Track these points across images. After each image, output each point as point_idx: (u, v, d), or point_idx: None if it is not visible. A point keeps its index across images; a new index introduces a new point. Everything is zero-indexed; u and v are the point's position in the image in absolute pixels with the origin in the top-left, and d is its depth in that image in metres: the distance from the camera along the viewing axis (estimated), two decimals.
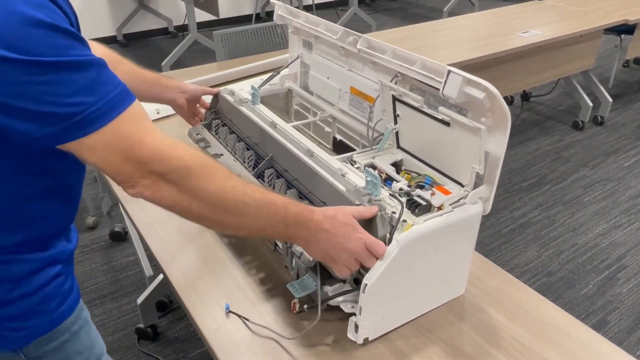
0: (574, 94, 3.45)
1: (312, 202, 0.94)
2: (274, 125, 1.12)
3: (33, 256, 0.78)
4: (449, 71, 0.84)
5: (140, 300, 1.77)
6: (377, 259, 0.81)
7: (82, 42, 0.66)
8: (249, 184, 0.76)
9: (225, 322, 0.90)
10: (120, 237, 2.31)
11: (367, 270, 0.81)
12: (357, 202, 0.86)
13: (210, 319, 0.91)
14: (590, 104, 3.37)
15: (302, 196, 0.97)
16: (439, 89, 0.87)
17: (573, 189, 2.78)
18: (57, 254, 0.81)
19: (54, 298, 0.81)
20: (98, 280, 2.09)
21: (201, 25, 4.79)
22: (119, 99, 0.68)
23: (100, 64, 0.67)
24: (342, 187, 0.90)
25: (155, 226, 1.13)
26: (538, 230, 2.45)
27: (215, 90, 1.29)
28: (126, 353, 1.77)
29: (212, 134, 1.24)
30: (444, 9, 5.58)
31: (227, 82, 1.93)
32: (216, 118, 1.27)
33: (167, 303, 1.92)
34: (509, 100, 3.74)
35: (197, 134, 1.25)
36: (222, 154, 1.17)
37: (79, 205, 0.88)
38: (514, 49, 2.48)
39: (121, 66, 1.06)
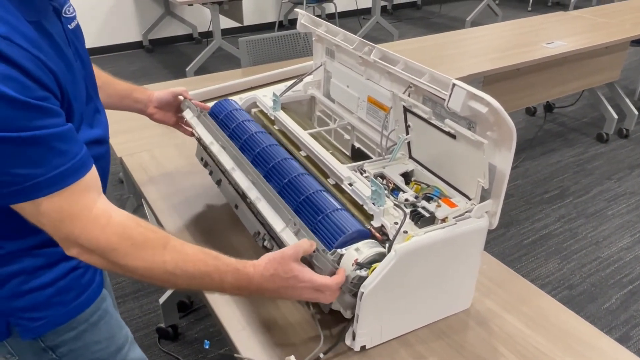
0: (598, 106, 3.40)
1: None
2: (224, 146, 1.09)
3: (46, 251, 0.80)
4: (454, 84, 0.85)
5: (162, 300, 1.80)
6: (338, 291, 0.81)
7: (47, 112, 0.66)
8: (187, 253, 0.75)
9: (250, 322, 0.92)
10: None
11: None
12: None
13: (235, 319, 0.93)
14: (615, 117, 3.32)
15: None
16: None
17: (596, 201, 2.74)
18: None
19: (71, 290, 0.84)
20: (120, 279, 2.13)
21: (225, 32, 4.87)
22: (68, 173, 0.68)
23: (57, 137, 0.67)
24: (275, 224, 0.89)
25: (181, 227, 1.16)
26: (560, 243, 2.42)
27: (180, 90, 1.24)
28: (146, 352, 1.80)
29: (207, 153, 1.21)
30: (467, 19, 5.57)
31: (251, 88, 1.96)
32: None
33: (188, 304, 1.95)
34: (532, 111, 3.71)
35: (201, 158, 1.24)
36: (220, 179, 1.15)
37: None
38: (538, 60, 2.47)
39: (99, 78, 1.05)
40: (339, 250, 0.82)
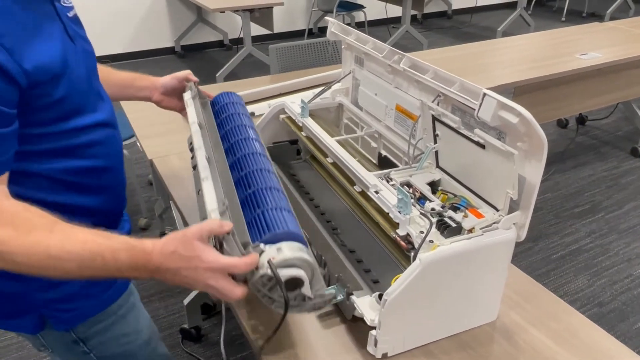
0: (633, 119, 3.31)
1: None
2: (201, 126, 1.03)
3: None
4: (484, 94, 0.84)
5: (186, 301, 1.83)
6: (246, 283, 0.72)
7: None
8: (75, 235, 0.70)
9: (271, 325, 0.92)
10: None
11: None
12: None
13: (257, 323, 0.93)
14: None
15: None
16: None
17: (629, 217, 2.66)
18: None
19: (100, 283, 0.87)
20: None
21: (255, 39, 4.93)
22: None
23: None
24: (208, 204, 0.79)
25: None
26: (590, 259, 2.36)
27: (185, 73, 1.19)
28: (170, 351, 1.82)
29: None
30: (498, 29, 5.51)
31: (280, 95, 1.99)
32: None
33: (212, 306, 1.97)
34: (563, 123, 3.63)
35: (190, 143, 1.18)
36: (196, 165, 1.06)
37: (126, 205, 0.94)
38: (572, 71, 2.42)
39: (100, 71, 1.04)
40: (261, 246, 0.73)
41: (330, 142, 1.17)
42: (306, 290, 0.73)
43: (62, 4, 0.84)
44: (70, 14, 0.86)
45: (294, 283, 0.72)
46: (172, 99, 1.19)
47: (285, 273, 0.71)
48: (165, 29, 4.95)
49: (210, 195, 0.81)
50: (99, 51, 4.61)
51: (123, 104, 1.84)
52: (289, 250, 0.72)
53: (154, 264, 0.69)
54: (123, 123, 2.39)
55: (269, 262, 0.70)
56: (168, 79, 1.17)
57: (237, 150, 1.00)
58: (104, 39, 4.62)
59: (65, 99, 0.78)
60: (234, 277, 0.71)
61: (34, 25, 0.73)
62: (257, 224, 0.79)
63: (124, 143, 2.43)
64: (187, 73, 1.19)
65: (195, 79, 1.19)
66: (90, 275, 0.70)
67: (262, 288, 0.72)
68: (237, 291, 0.71)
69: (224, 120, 1.13)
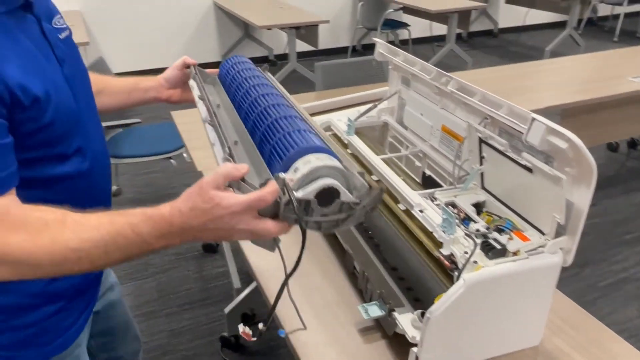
0: None
1: None
2: (201, 98, 1.01)
3: (29, 289, 0.79)
4: (533, 119, 0.85)
5: (227, 309, 1.88)
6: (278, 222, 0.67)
7: None
8: (89, 221, 0.66)
9: (315, 337, 0.95)
10: (212, 249, 2.47)
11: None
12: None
13: (300, 332, 0.96)
14: None
15: None
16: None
17: None
18: (61, 289, 0.83)
19: (50, 333, 0.84)
20: (190, 286, 2.24)
21: (300, 55, 5.03)
22: None
23: None
24: (217, 154, 0.75)
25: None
26: None
27: (182, 59, 1.12)
28: (209, 359, 1.88)
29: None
30: (547, 49, 5.41)
31: (325, 112, 2.03)
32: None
33: (251, 316, 2.01)
34: (613, 147, 3.51)
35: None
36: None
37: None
38: (623, 94, 2.36)
39: (98, 83, 1.03)
40: (280, 175, 0.66)
41: (375, 160, 1.19)
42: (346, 197, 0.67)
43: (54, 25, 0.81)
44: (62, 36, 0.83)
45: (329, 195, 0.66)
46: (184, 91, 1.13)
47: (313, 188, 0.65)
48: (213, 45, 5.13)
49: (218, 148, 0.78)
50: (148, 65, 4.83)
51: (174, 115, 1.92)
52: (305, 164, 0.66)
53: (177, 227, 0.65)
54: (172, 134, 2.49)
55: (284, 184, 0.64)
56: (169, 71, 1.11)
57: (251, 112, 0.92)
58: (155, 53, 4.82)
59: (53, 123, 0.74)
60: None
61: (16, 46, 0.70)
62: (274, 156, 0.74)
63: (172, 154, 2.53)
64: (184, 58, 1.12)
65: (193, 61, 1.13)
66: (121, 257, 0.67)
67: (296, 215, 0.65)
68: (271, 227, 0.66)
69: (234, 89, 1.05)
